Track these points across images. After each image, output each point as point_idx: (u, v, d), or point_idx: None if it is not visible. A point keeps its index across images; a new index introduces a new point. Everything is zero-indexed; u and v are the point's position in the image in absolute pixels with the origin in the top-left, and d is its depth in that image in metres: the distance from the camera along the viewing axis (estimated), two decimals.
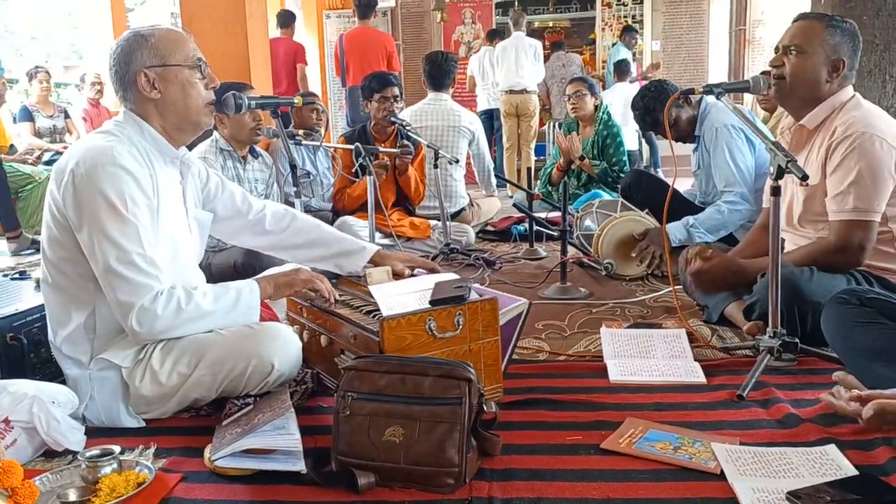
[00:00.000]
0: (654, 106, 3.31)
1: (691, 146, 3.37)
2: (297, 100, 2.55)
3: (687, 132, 3.29)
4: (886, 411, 1.37)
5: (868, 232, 2.05)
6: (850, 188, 2.03)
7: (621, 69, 7.58)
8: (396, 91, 3.92)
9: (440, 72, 4.50)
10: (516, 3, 10.13)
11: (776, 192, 1.86)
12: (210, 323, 1.70)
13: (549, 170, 4.82)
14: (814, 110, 2.16)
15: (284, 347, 1.73)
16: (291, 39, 6.91)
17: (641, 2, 8.90)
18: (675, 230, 3.06)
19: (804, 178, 1.77)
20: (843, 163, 2.05)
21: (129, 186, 1.63)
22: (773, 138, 2.20)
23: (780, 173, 1.82)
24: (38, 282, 2.33)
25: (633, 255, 3.13)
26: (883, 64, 3.39)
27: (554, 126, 8.24)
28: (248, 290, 1.75)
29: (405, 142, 3.80)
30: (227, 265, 2.84)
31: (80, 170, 1.62)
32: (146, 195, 1.67)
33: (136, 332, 1.63)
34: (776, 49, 2.20)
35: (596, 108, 4.67)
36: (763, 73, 2.30)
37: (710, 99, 2.99)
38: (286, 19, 6.94)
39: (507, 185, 6.03)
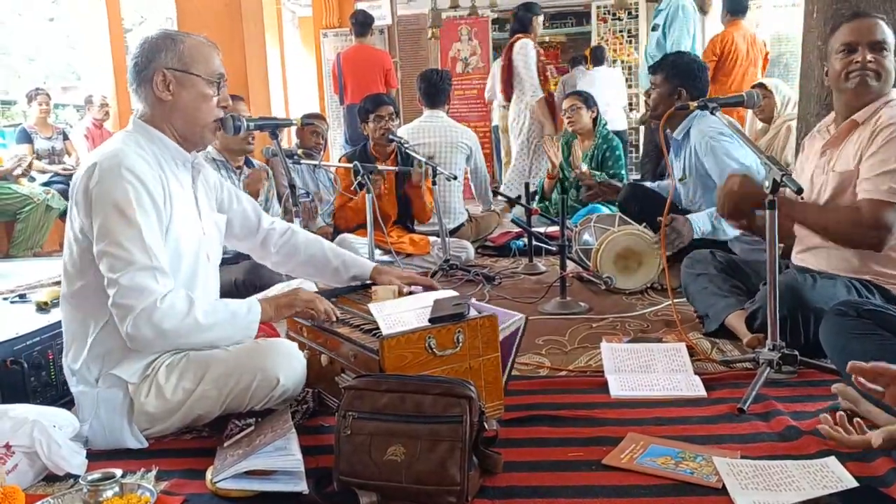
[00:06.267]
0: (678, 73, 3.18)
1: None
2: (296, 120, 2.56)
3: (671, 126, 3.23)
4: (895, 437, 1.37)
5: None
6: (889, 172, 2.03)
7: (596, 56, 7.74)
8: (391, 109, 3.96)
9: (436, 89, 4.52)
10: (512, 18, 10.21)
11: (772, 205, 1.87)
12: (206, 338, 1.70)
13: (541, 183, 4.84)
14: (871, 104, 2.15)
15: (289, 362, 1.74)
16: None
17: (636, 16, 8.97)
18: (700, 221, 3.01)
19: (799, 191, 1.79)
20: (884, 147, 2.06)
21: (136, 191, 1.64)
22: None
23: (776, 187, 1.84)
24: (38, 305, 2.34)
25: (655, 242, 3.07)
26: None
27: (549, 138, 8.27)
28: (246, 310, 1.75)
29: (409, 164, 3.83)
30: (228, 282, 2.85)
31: (91, 178, 1.64)
32: (154, 200, 1.67)
33: (131, 337, 1.61)
34: (855, 46, 2.13)
35: (594, 121, 4.72)
36: (755, 86, 2.32)
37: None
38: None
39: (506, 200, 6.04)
